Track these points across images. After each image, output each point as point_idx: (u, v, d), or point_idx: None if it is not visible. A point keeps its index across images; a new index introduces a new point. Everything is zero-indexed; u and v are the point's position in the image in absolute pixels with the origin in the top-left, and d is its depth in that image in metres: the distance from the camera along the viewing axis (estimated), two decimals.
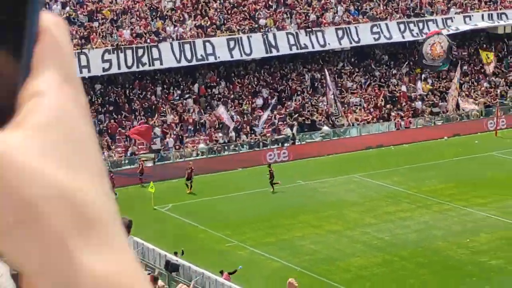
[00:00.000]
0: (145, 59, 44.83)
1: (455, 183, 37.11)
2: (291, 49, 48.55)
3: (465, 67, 53.18)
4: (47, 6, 43.12)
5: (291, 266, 27.55)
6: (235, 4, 49.86)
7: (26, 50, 0.64)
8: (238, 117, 45.99)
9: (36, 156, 0.61)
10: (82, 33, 44.54)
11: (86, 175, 0.63)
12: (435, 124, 48.29)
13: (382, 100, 49.20)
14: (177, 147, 43.37)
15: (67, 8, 46.30)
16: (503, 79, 53.45)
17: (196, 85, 47.73)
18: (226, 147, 43.90)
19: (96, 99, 44.45)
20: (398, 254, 29.22)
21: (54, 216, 0.60)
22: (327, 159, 42.62)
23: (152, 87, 47.02)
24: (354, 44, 50.38)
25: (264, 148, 43.94)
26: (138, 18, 47.39)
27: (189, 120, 45.28)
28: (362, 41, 50.34)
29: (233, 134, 44.35)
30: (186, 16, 48.31)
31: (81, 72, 41.23)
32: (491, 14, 53.78)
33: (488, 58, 52.83)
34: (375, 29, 50.72)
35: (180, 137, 44.08)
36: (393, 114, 48.34)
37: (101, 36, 45.00)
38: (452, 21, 52.60)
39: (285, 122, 46.42)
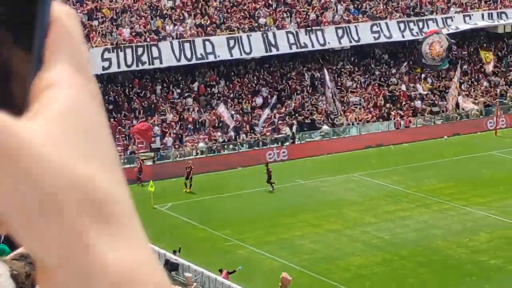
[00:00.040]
0: (144, 58, 44.81)
1: (454, 183, 37.10)
2: (291, 48, 48.53)
3: (465, 67, 53.17)
4: None
5: (290, 265, 27.54)
6: (235, 3, 49.84)
7: (37, 41, 0.64)
8: (238, 116, 45.98)
9: (53, 146, 0.61)
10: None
11: (101, 165, 0.63)
12: (434, 124, 48.27)
13: (381, 100, 49.18)
14: (176, 146, 43.36)
15: None
16: (502, 79, 53.44)
17: (195, 84, 47.72)
18: (225, 146, 43.89)
19: None
20: (398, 253, 29.22)
21: (73, 207, 0.60)
22: (326, 158, 42.61)
23: (152, 86, 47.00)
24: (354, 43, 50.36)
25: (264, 147, 43.92)
26: (137, 17, 47.37)
27: (188, 119, 45.27)
28: (362, 40, 50.33)
29: (232, 133, 44.34)
30: (186, 15, 48.29)
31: None
32: (491, 13, 53.76)
33: (487, 58, 52.84)
34: (375, 28, 50.71)
35: (180, 136, 44.07)
36: (392, 113, 48.32)
37: (100, 34, 44.99)
38: (452, 20, 52.58)
39: (284, 121, 46.40)
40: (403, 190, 36.55)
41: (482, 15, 53.50)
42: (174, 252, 27.62)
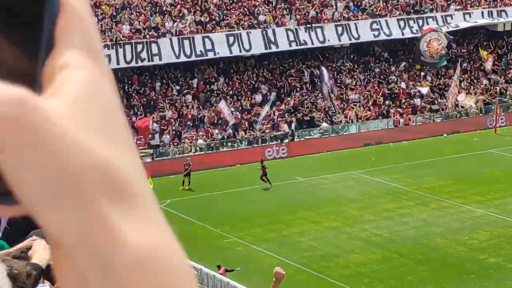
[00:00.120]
0: (144, 55, 44.76)
1: (454, 180, 37.09)
2: (290, 46, 48.48)
3: (464, 64, 53.13)
4: None
5: (289, 263, 27.50)
6: (235, 0, 49.78)
7: (47, 25, 0.63)
8: (237, 113, 45.93)
9: (74, 126, 0.60)
10: None
11: (117, 144, 0.62)
12: (434, 121, 48.25)
13: (381, 97, 49.14)
14: (175, 143, 43.31)
15: None
16: (502, 77, 53.41)
17: (195, 81, 47.66)
18: (224, 143, 43.85)
19: None
20: (397, 251, 29.19)
21: (94, 187, 0.60)
22: (326, 156, 42.58)
23: (151, 82, 46.95)
24: (353, 41, 50.32)
25: (263, 144, 43.89)
26: (137, 14, 47.31)
27: (188, 116, 45.22)
28: (362, 37, 50.28)
29: (230, 130, 44.29)
30: (185, 11, 48.22)
31: None
32: (491, 11, 53.71)
33: (484, 56, 52.89)
34: (374, 26, 50.66)
35: (178, 133, 44.02)
36: (392, 111, 48.30)
37: (100, 31, 44.87)
38: (452, 18, 52.54)
39: (284, 119, 46.36)
40: (402, 188, 36.53)
41: (482, 13, 53.46)
42: None
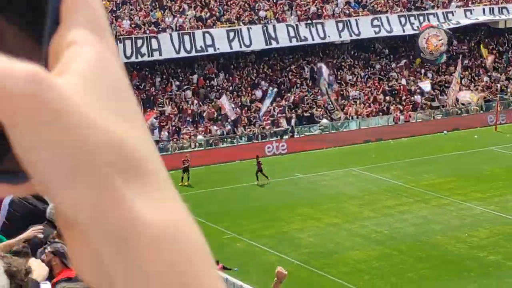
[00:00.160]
0: (144, 50, 44.66)
1: (454, 178, 37.01)
2: (291, 41, 48.38)
3: (465, 61, 53.04)
4: None
5: (289, 259, 27.43)
6: None
7: (53, 2, 0.63)
8: (237, 109, 45.84)
9: (86, 103, 0.60)
10: None
11: (128, 122, 0.62)
12: (434, 118, 48.17)
13: (381, 94, 49.05)
14: (175, 139, 43.21)
15: None
16: (503, 74, 53.32)
17: (195, 77, 47.56)
18: (224, 139, 43.75)
19: None
20: (397, 247, 29.12)
21: (109, 166, 0.59)
22: (326, 152, 42.50)
23: (151, 78, 46.85)
24: (354, 37, 50.21)
25: (263, 140, 43.80)
26: (137, 9, 47.19)
27: (187, 111, 45.12)
28: (363, 34, 50.18)
29: (229, 126, 44.19)
30: (186, 7, 48.11)
31: None
32: (492, 8, 53.60)
33: (484, 53, 52.88)
34: (375, 22, 50.55)
35: (178, 129, 43.92)
36: (392, 107, 48.20)
37: None
38: (453, 15, 52.44)
39: (284, 115, 46.27)
40: (402, 184, 36.46)
41: (483, 10, 53.34)
42: None
